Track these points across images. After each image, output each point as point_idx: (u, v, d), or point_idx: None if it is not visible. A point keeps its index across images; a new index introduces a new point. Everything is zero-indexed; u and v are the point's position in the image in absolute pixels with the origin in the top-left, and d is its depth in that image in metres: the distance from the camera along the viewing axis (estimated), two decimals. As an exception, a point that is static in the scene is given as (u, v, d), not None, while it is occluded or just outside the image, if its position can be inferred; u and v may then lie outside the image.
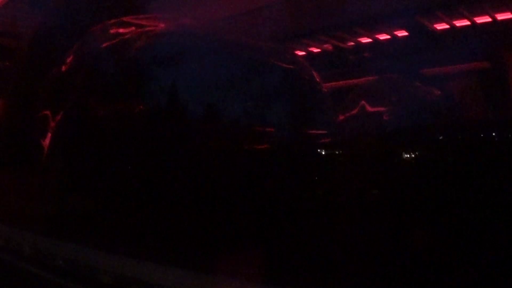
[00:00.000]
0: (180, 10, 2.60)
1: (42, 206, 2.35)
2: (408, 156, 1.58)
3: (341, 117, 2.46)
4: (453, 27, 2.82)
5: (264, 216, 1.55)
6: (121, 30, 2.15)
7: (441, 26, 2.82)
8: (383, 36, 2.99)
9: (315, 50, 3.20)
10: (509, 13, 2.69)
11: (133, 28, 2.13)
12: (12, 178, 2.73)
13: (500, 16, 2.69)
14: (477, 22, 2.75)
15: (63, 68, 2.36)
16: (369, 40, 3.03)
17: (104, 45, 2.14)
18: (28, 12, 3.59)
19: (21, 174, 2.67)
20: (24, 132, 2.65)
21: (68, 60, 2.35)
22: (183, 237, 1.67)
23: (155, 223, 1.80)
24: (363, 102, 2.43)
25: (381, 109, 2.40)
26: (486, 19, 2.74)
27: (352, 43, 3.08)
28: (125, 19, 2.22)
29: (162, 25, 2.16)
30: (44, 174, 2.41)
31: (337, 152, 1.92)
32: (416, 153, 1.56)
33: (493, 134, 1.49)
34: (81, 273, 1.71)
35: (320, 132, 2.04)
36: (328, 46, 3.14)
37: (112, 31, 2.18)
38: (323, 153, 1.94)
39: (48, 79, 2.48)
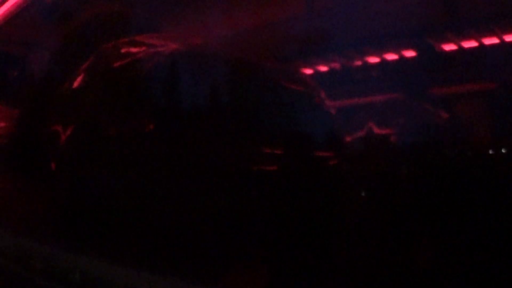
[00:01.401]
0: (191, 28, 2.63)
1: (51, 218, 2.37)
2: (415, 177, 1.58)
3: (348, 139, 2.46)
4: (461, 47, 2.82)
5: (274, 242, 1.56)
6: (132, 49, 2.18)
7: (449, 47, 2.82)
8: (390, 56, 3.00)
9: (323, 69, 3.21)
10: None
11: (145, 47, 2.16)
12: (22, 191, 2.76)
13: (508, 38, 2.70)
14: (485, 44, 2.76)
15: (74, 85, 2.40)
16: (377, 59, 3.04)
17: (115, 64, 2.17)
18: (41, 23, 3.63)
19: (31, 186, 2.70)
20: (35, 145, 2.69)
21: (79, 77, 2.38)
22: (194, 252, 1.69)
23: (164, 237, 1.82)
24: (370, 123, 2.43)
25: (389, 130, 2.40)
26: (495, 40, 2.74)
27: (360, 63, 3.10)
28: (137, 38, 2.25)
29: (174, 45, 2.19)
30: (54, 188, 2.44)
31: (345, 173, 1.92)
32: (424, 174, 1.57)
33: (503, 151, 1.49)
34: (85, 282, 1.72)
35: (328, 154, 2.05)
36: (335, 65, 3.15)
37: (123, 50, 2.21)
38: (332, 174, 1.95)
39: (58, 95, 2.51)
